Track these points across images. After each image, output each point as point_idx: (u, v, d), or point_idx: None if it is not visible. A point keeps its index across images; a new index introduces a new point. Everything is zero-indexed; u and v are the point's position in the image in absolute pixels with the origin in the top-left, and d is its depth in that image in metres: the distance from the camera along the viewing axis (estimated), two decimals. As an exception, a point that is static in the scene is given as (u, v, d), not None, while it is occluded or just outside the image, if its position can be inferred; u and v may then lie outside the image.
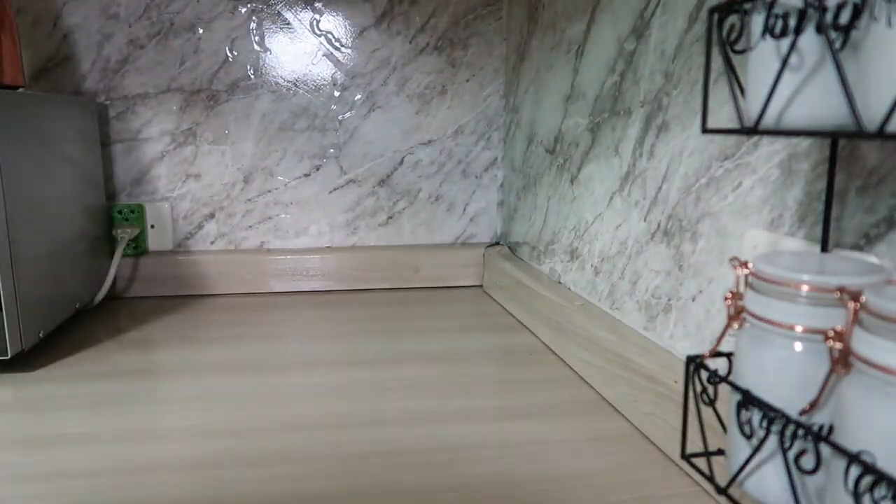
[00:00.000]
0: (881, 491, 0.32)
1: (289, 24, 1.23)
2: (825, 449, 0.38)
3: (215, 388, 0.82)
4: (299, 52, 1.24)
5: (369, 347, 0.97)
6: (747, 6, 0.41)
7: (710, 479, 0.47)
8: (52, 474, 0.62)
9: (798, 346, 0.39)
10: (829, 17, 0.36)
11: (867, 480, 0.33)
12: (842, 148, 0.48)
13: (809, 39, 0.37)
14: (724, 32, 0.43)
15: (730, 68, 0.44)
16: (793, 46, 0.37)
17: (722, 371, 0.46)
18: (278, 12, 1.22)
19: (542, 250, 1.10)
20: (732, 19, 0.42)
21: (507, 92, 1.28)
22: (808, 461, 0.39)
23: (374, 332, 1.04)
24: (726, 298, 0.43)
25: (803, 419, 0.39)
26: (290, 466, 0.63)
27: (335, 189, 1.29)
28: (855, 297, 0.34)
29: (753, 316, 0.41)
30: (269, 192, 1.27)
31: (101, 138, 1.18)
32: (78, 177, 1.05)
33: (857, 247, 0.47)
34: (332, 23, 1.24)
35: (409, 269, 1.30)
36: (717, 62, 0.61)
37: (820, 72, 0.37)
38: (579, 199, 0.94)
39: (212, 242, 1.28)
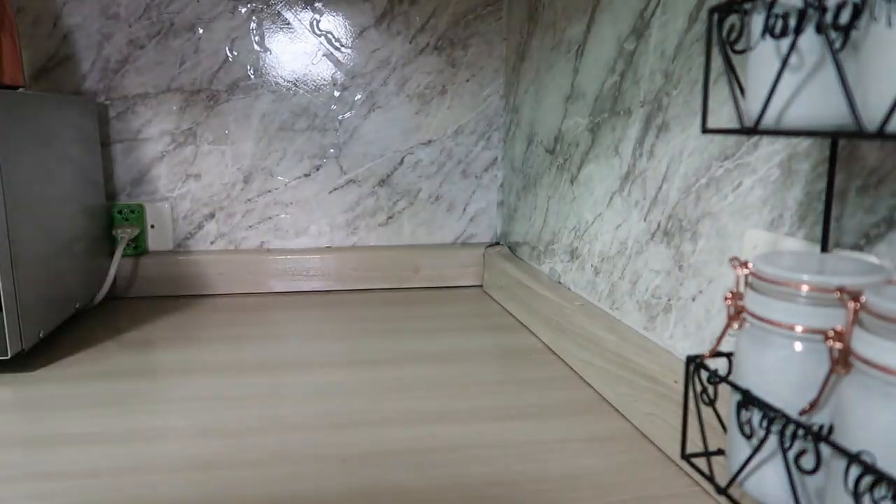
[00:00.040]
0: (881, 491, 0.32)
1: (289, 24, 1.23)
2: (825, 449, 0.38)
3: (215, 388, 0.82)
4: (299, 52, 1.24)
5: (369, 347, 0.97)
6: (747, 6, 0.41)
7: (710, 479, 0.47)
8: (52, 474, 0.62)
9: (798, 346, 0.39)
10: (829, 17, 0.36)
11: (867, 480, 0.33)
12: (842, 148, 0.48)
13: (809, 39, 0.37)
14: (724, 32, 0.43)
15: (730, 68, 0.44)
16: (793, 46, 0.37)
17: (722, 371, 0.46)
18: (278, 12, 1.22)
19: (542, 250, 1.10)
20: (732, 19, 0.42)
21: (507, 92, 1.28)
22: (808, 461, 0.39)
23: (374, 332, 1.04)
24: (726, 298, 0.43)
25: (803, 419, 0.39)
26: (290, 466, 0.63)
27: (335, 189, 1.29)
28: (855, 297, 0.34)
29: (753, 316, 0.41)
30: (269, 192, 1.27)
31: (101, 138, 1.18)
32: (78, 177, 1.05)
33: (857, 247, 0.47)
34: (332, 23, 1.24)
35: (409, 269, 1.30)
36: (717, 62, 0.61)
37: (820, 72, 0.37)
38: (579, 199, 0.94)
39: (212, 242, 1.28)
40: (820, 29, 0.37)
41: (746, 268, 0.43)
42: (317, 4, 1.23)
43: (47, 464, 0.64)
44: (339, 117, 1.27)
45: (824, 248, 0.46)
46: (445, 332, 1.04)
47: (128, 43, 1.19)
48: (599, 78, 0.87)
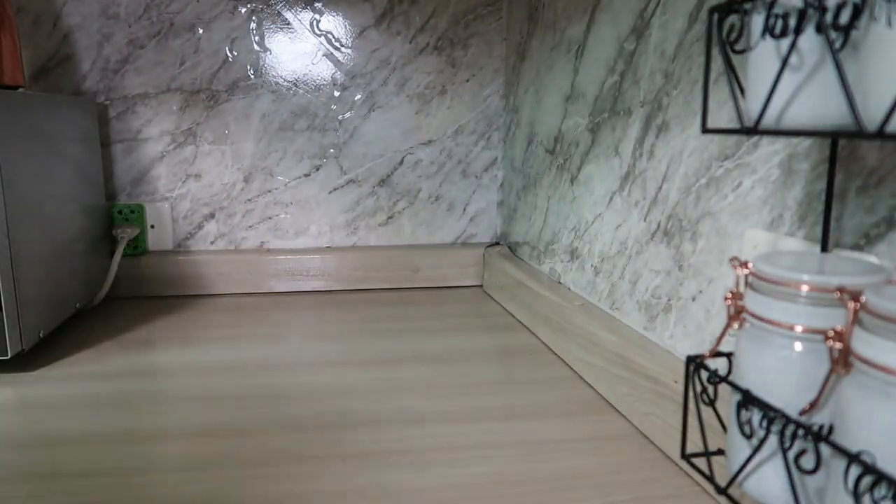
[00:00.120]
0: (881, 491, 0.32)
1: (289, 24, 1.23)
2: (825, 449, 0.38)
3: (215, 388, 0.82)
4: (299, 52, 1.24)
5: (369, 347, 0.97)
6: (747, 6, 0.41)
7: (710, 479, 0.47)
8: (52, 474, 0.62)
9: (798, 346, 0.39)
10: (829, 17, 0.36)
11: (867, 480, 0.33)
12: (842, 148, 0.48)
13: (809, 39, 0.37)
14: (724, 32, 0.43)
15: (730, 68, 0.44)
16: (793, 46, 0.37)
17: (722, 371, 0.46)
18: (278, 12, 1.22)
19: (542, 250, 1.10)
20: (732, 19, 0.42)
21: (507, 92, 1.28)
22: (808, 461, 0.39)
23: (374, 332, 1.04)
24: (726, 298, 0.43)
25: (803, 419, 0.39)
26: (290, 466, 0.63)
27: (335, 189, 1.29)
28: (855, 297, 0.34)
29: (753, 316, 0.41)
30: (269, 192, 1.27)
31: (101, 138, 1.18)
32: (78, 177, 1.05)
33: (857, 247, 0.47)
34: (332, 23, 1.24)
35: (409, 269, 1.30)
36: (717, 62, 0.61)
37: (820, 72, 0.37)
38: (579, 199, 0.94)
39: (212, 242, 1.28)
40: (820, 29, 0.37)
41: (746, 268, 0.43)
42: (317, 4, 1.23)
43: (47, 464, 0.64)
44: (339, 117, 1.27)
45: (824, 248, 0.46)
46: (445, 332, 1.04)
47: (128, 43, 1.19)
48: (599, 78, 0.87)
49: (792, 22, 0.38)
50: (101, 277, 1.14)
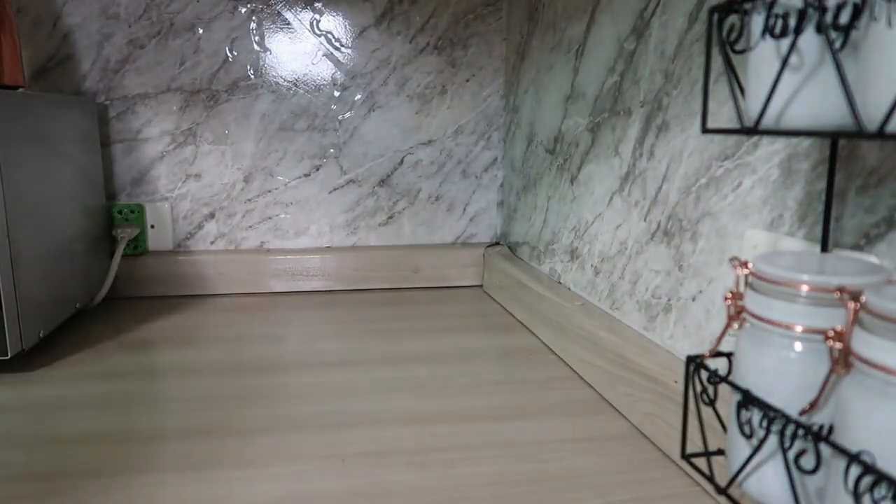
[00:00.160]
0: (881, 491, 0.32)
1: (289, 24, 1.23)
2: (825, 449, 0.38)
3: (215, 388, 0.82)
4: (299, 52, 1.24)
5: (369, 347, 0.97)
6: (747, 6, 0.41)
7: (710, 479, 0.47)
8: (52, 474, 0.62)
9: (798, 346, 0.39)
10: (829, 17, 0.36)
11: (867, 480, 0.33)
12: (842, 148, 0.48)
13: (809, 39, 0.37)
14: (724, 32, 0.43)
15: (730, 68, 0.44)
16: (793, 46, 0.37)
17: (722, 371, 0.46)
18: (278, 12, 1.22)
19: (542, 250, 1.10)
20: (732, 19, 0.42)
21: (507, 92, 1.28)
22: (808, 461, 0.39)
23: (374, 332, 1.04)
24: (726, 298, 0.43)
25: (803, 419, 0.39)
26: (290, 466, 0.63)
27: (335, 189, 1.29)
28: (855, 297, 0.34)
29: (753, 316, 0.41)
30: (269, 192, 1.27)
31: (101, 138, 1.18)
32: (78, 177, 1.05)
33: (857, 247, 0.47)
34: (332, 23, 1.24)
35: (409, 269, 1.30)
36: (717, 62, 0.61)
37: (820, 72, 0.37)
38: (579, 199, 0.94)
39: (212, 242, 1.28)
40: (820, 29, 0.37)
41: (746, 268, 0.43)
42: (317, 4, 1.23)
43: (47, 464, 0.64)
44: (339, 117, 1.27)
45: (824, 248, 0.46)
46: (445, 332, 1.04)
47: (128, 43, 1.19)
48: (599, 78, 0.87)
49: (792, 22, 0.38)
50: (101, 277, 1.14)
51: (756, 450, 0.41)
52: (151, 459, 0.65)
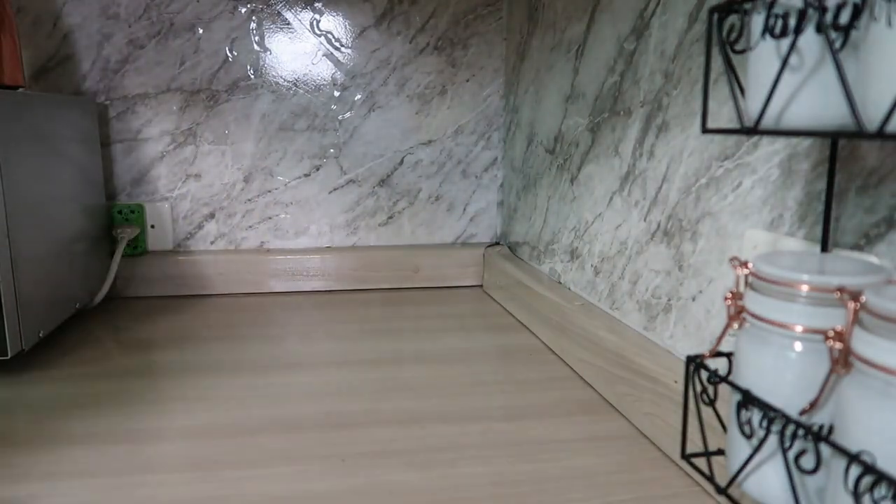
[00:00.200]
0: (881, 491, 0.32)
1: (289, 24, 1.23)
2: (825, 449, 0.38)
3: (215, 388, 0.82)
4: (299, 52, 1.24)
5: (369, 347, 0.97)
6: (747, 6, 0.41)
7: (710, 479, 0.47)
8: (52, 474, 0.62)
9: (798, 346, 0.39)
10: (829, 17, 0.36)
11: (867, 480, 0.33)
12: (842, 148, 0.48)
13: (809, 39, 0.37)
14: (724, 32, 0.43)
15: (730, 68, 0.44)
16: (793, 46, 0.37)
17: (722, 371, 0.46)
18: (278, 12, 1.22)
19: (542, 250, 1.10)
20: (732, 19, 0.42)
21: (507, 92, 1.28)
22: (808, 461, 0.39)
23: (374, 332, 1.04)
24: (726, 298, 0.43)
25: (803, 419, 0.39)
26: (290, 466, 0.63)
27: (335, 189, 1.29)
28: (855, 297, 0.34)
29: (753, 316, 0.41)
30: (269, 192, 1.27)
31: (101, 138, 1.18)
32: (78, 177, 1.05)
33: (857, 247, 0.47)
34: (332, 23, 1.24)
35: (409, 269, 1.30)
36: (717, 62, 0.61)
37: (820, 72, 0.37)
38: (579, 199, 0.94)
39: (212, 242, 1.28)
40: (820, 29, 0.37)
41: (746, 268, 0.43)
42: (317, 4, 1.23)
43: (47, 464, 0.64)
44: (339, 117, 1.27)
45: (824, 248, 0.46)
46: (445, 332, 1.04)
47: (128, 43, 1.19)
48: (599, 78, 0.87)
49: (792, 22, 0.38)
50: (101, 277, 1.14)
51: (756, 450, 0.41)
52: (151, 459, 0.65)
